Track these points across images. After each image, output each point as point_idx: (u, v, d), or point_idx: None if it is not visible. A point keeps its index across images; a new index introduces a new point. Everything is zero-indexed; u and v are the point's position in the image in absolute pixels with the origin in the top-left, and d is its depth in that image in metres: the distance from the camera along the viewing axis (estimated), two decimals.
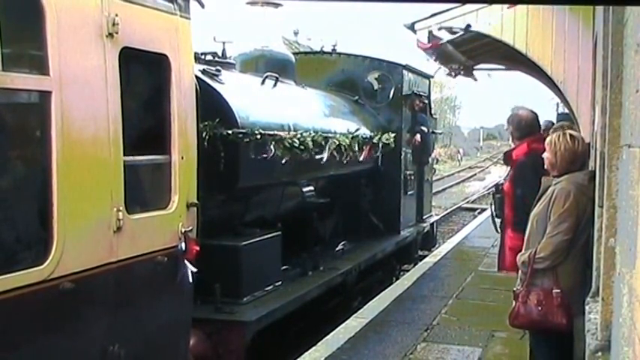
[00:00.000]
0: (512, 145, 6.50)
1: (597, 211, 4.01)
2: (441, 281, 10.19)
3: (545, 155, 5.07)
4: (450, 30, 8.67)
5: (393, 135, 10.90)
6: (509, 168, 6.68)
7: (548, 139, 5.09)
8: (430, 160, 13.65)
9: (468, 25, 8.30)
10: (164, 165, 4.96)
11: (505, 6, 7.76)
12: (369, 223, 11.19)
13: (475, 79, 12.73)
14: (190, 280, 5.12)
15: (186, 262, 4.95)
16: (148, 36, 4.70)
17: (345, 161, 9.05)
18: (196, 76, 5.64)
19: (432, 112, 13.86)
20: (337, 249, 9.69)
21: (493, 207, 6.83)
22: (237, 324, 6.36)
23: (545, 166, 5.13)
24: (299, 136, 7.66)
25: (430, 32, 8.80)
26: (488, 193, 25.87)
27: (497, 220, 6.81)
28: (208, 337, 6.17)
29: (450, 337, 7.53)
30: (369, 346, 7.12)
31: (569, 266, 4.86)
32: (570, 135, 5.10)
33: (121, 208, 4.30)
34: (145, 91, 5.23)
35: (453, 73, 12.13)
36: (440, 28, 8.76)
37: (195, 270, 5.01)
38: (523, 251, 5.03)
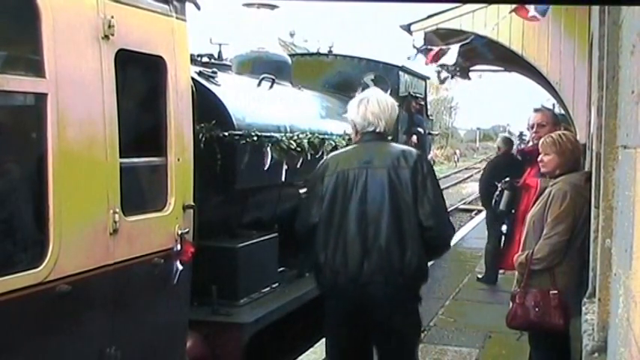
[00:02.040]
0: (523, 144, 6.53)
1: (594, 212, 4.02)
2: (438, 282, 10.18)
3: (547, 158, 5.04)
4: (458, 37, 8.68)
5: (389, 136, 10.88)
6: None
7: (548, 141, 5.07)
8: None
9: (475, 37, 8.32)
10: (160, 167, 4.95)
11: (502, 6, 7.77)
12: None
13: (469, 79, 12.76)
14: (187, 281, 5.12)
15: (179, 263, 4.93)
16: (144, 38, 4.69)
17: None
18: (192, 78, 5.63)
19: (429, 113, 13.86)
20: None
21: (499, 203, 6.79)
22: (234, 326, 6.35)
23: (545, 169, 5.12)
24: (295, 137, 7.66)
25: (429, 33, 8.79)
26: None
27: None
28: (205, 339, 6.16)
29: (447, 338, 7.53)
30: None
31: (566, 267, 4.87)
32: (570, 134, 5.15)
33: (117, 210, 4.30)
34: (141, 93, 5.23)
35: (449, 75, 12.14)
36: (443, 34, 8.76)
37: (181, 269, 4.97)
38: (520, 252, 5.04)
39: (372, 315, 4.14)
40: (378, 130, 4.39)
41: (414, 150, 4.45)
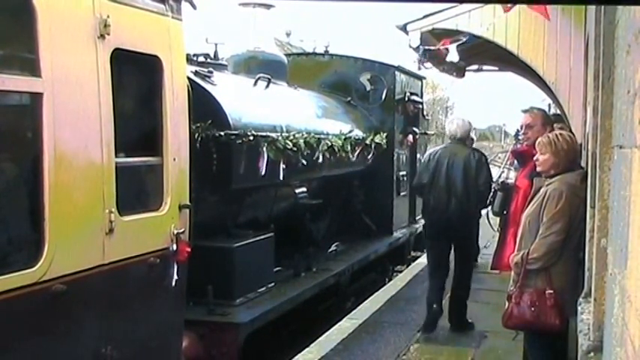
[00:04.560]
0: (519, 143, 6.57)
1: (589, 212, 4.02)
2: None
3: (542, 157, 5.03)
4: (454, 37, 8.68)
5: (385, 136, 10.91)
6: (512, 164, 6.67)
7: (544, 141, 5.06)
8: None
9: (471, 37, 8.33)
10: (156, 166, 4.95)
11: (497, 8, 7.76)
12: (362, 224, 11.20)
13: (463, 76, 12.76)
14: (183, 281, 5.11)
15: (175, 263, 4.93)
16: (140, 37, 4.69)
17: (337, 162, 9.05)
18: (188, 78, 5.62)
19: (425, 113, 13.87)
20: (330, 250, 9.69)
21: (492, 204, 6.82)
22: (230, 326, 6.35)
23: (541, 168, 5.10)
24: (291, 137, 7.66)
25: (425, 33, 8.79)
26: None
27: (495, 219, 6.83)
28: (201, 339, 6.15)
29: (443, 337, 7.53)
30: (362, 347, 7.12)
31: (562, 267, 4.87)
32: (567, 134, 5.14)
33: (112, 210, 4.29)
34: (137, 93, 5.22)
35: (443, 69, 12.14)
36: (439, 34, 8.77)
37: (177, 269, 4.96)
38: (516, 252, 5.04)
39: (453, 232, 7.60)
40: (457, 137, 7.85)
41: (479, 150, 8.17)
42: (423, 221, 14.14)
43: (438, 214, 7.64)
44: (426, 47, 9.11)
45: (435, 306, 7.71)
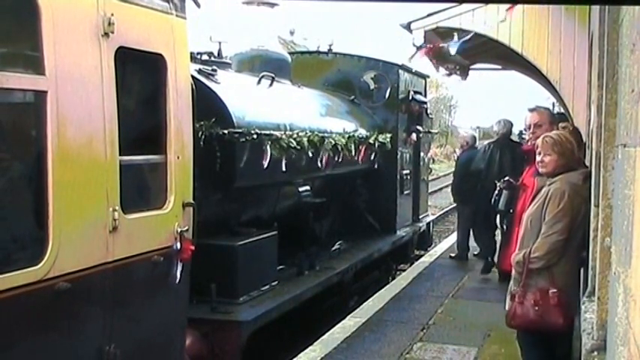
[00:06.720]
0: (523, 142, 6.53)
1: (593, 211, 4.02)
2: (437, 281, 10.19)
3: (548, 158, 4.98)
4: (456, 34, 8.68)
5: (389, 135, 10.91)
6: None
7: (549, 141, 4.99)
8: (426, 159, 13.68)
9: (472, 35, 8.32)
10: (160, 165, 4.95)
11: (501, 6, 7.76)
12: (366, 222, 11.20)
13: (464, 79, 12.80)
14: (186, 279, 5.12)
15: (178, 261, 4.93)
16: (144, 35, 4.69)
17: (341, 161, 9.05)
18: (192, 76, 5.62)
19: (428, 111, 13.87)
20: (333, 248, 9.69)
21: (498, 202, 6.79)
22: (233, 324, 6.35)
23: (545, 170, 5.05)
24: (295, 136, 7.66)
25: (429, 32, 8.80)
26: None
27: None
28: (204, 337, 6.16)
29: (446, 336, 7.52)
30: (365, 345, 7.12)
31: (564, 266, 4.86)
32: (569, 133, 5.12)
33: (116, 208, 4.29)
34: (140, 91, 5.22)
35: (448, 72, 12.15)
36: (442, 32, 8.78)
37: (180, 267, 4.97)
38: (517, 251, 5.03)
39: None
40: (502, 133, 10.10)
41: (519, 143, 10.12)
42: (427, 219, 14.34)
43: (487, 184, 9.38)
44: (428, 45, 9.12)
45: (489, 259, 10.52)
